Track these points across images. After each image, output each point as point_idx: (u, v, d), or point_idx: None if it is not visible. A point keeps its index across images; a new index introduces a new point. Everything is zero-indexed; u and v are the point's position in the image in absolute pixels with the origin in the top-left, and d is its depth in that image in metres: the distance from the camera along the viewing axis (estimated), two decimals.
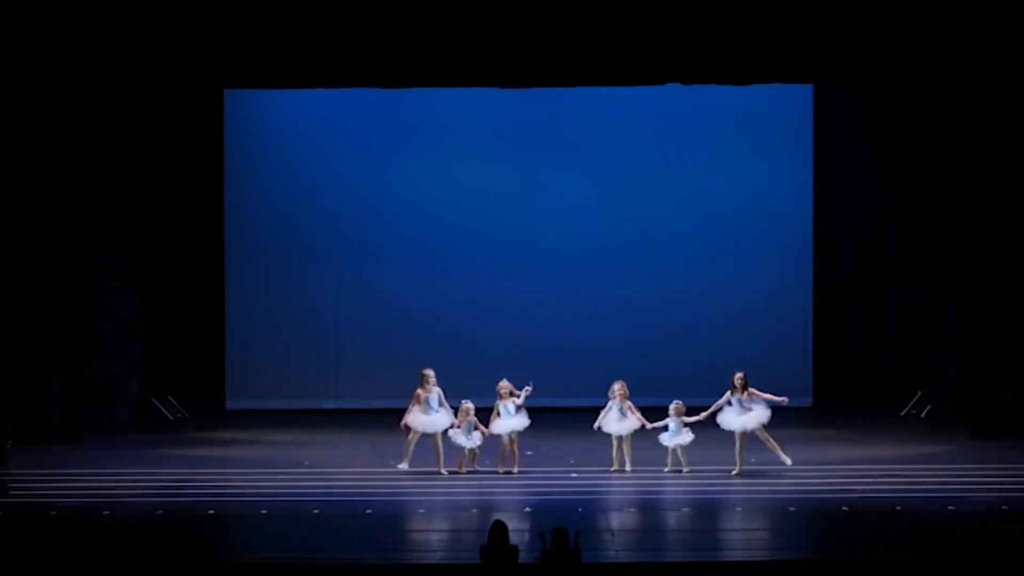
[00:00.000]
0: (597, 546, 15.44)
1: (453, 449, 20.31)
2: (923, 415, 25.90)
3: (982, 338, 23.49)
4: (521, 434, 20.35)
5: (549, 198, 27.52)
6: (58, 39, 21.23)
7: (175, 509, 17.97)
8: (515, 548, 13.13)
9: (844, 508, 17.78)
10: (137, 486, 19.54)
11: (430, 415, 20.09)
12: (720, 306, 27.49)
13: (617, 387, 20.46)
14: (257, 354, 27.62)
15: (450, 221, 27.54)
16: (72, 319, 24.02)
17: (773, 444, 20.05)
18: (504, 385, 20.29)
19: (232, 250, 27.65)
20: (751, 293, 27.51)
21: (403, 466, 20.19)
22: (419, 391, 20.15)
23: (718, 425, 20.13)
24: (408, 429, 20.14)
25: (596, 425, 20.54)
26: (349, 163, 27.61)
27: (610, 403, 20.46)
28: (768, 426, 19.97)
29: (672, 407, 20.28)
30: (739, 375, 20.03)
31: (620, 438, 20.39)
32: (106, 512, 17.68)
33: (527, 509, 17.82)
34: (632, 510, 18.28)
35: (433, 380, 20.20)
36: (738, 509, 18.19)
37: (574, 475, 20.25)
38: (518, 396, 20.18)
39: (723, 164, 27.47)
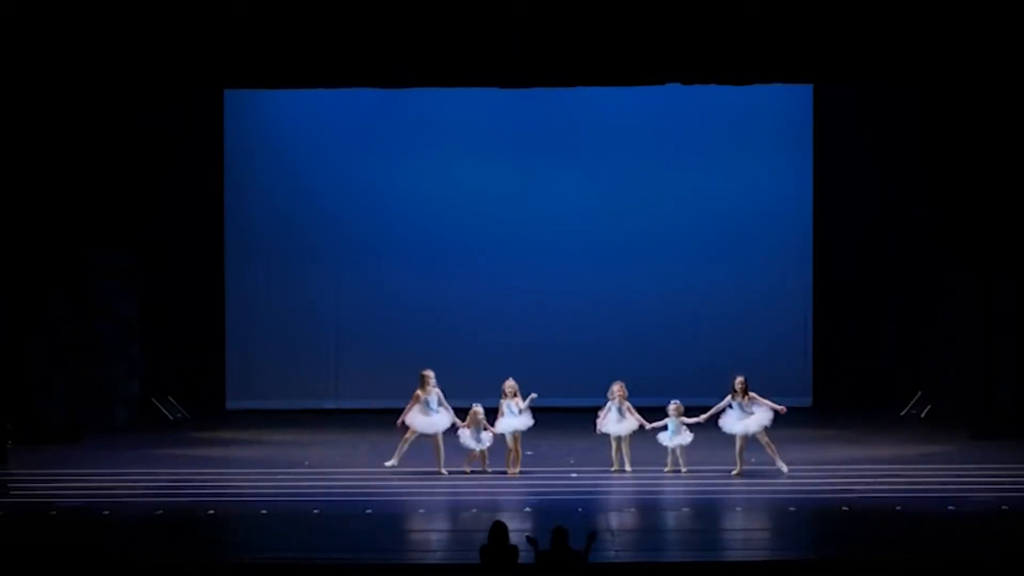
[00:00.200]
0: (597, 546, 15.42)
1: (455, 449, 20.30)
2: (923, 415, 25.90)
3: (982, 338, 23.49)
4: (522, 434, 20.34)
5: (549, 198, 27.52)
6: (58, 39, 21.23)
7: (175, 509, 17.97)
8: (515, 548, 13.13)
9: (844, 508, 17.77)
10: (137, 486, 19.54)
11: (430, 416, 20.09)
12: (720, 306, 27.49)
13: (616, 388, 20.45)
14: (257, 354, 27.62)
15: (450, 221, 27.54)
16: (72, 319, 24.02)
17: (772, 450, 20.04)
18: (510, 384, 20.29)
19: (232, 250, 27.65)
20: (751, 293, 27.51)
21: (391, 463, 20.18)
22: (419, 392, 20.15)
23: (719, 428, 20.13)
24: (405, 428, 20.14)
25: (597, 429, 20.52)
26: (349, 163, 27.61)
27: (609, 404, 20.45)
28: (769, 428, 19.95)
29: (671, 407, 20.28)
30: (740, 379, 20.02)
31: (619, 439, 20.39)
32: (106, 512, 17.68)
33: (527, 509, 17.82)
34: (632, 510, 18.28)
35: (433, 381, 20.19)
36: (738, 509, 18.19)
37: (574, 475, 20.25)
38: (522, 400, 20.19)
39: (723, 164, 27.47)
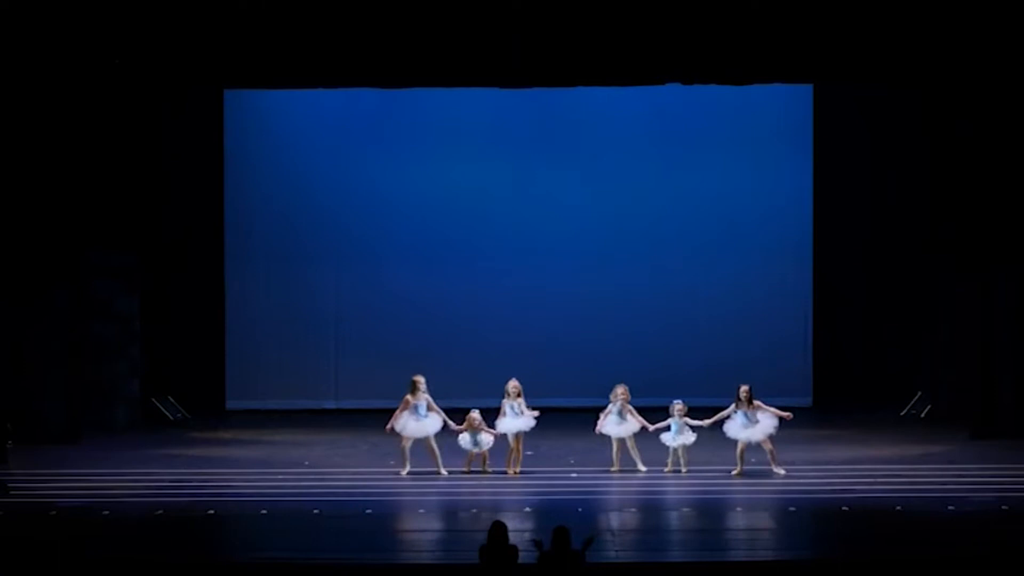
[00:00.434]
0: (598, 546, 15.42)
1: (454, 450, 20.30)
2: (923, 415, 25.90)
3: (982, 338, 23.48)
4: (524, 434, 20.35)
5: (549, 198, 27.50)
6: (58, 39, 21.23)
7: (175, 509, 17.97)
8: (515, 548, 13.13)
9: (844, 508, 17.78)
10: (137, 486, 19.54)
11: (419, 421, 20.09)
12: (720, 306, 27.48)
13: (620, 391, 20.41)
14: (257, 354, 27.59)
15: (450, 221, 27.53)
16: (72, 319, 24.01)
17: (773, 456, 20.02)
18: (514, 385, 20.28)
19: (232, 250, 27.63)
20: (751, 293, 27.49)
21: (404, 472, 20.18)
22: (408, 397, 20.15)
23: (723, 431, 20.11)
24: (396, 433, 20.13)
25: (596, 429, 20.51)
26: (349, 163, 27.59)
27: (610, 406, 20.43)
28: (774, 435, 19.97)
29: (676, 407, 20.25)
30: (744, 388, 20.00)
31: (620, 440, 20.37)
32: (106, 512, 17.68)
33: (527, 509, 17.82)
34: (632, 510, 18.27)
35: (423, 387, 20.18)
36: (738, 509, 18.19)
37: (574, 475, 20.25)
38: (525, 409, 20.18)
39: (723, 164, 27.45)
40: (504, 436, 20.23)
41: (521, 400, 20.19)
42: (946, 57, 21.55)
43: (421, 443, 20.17)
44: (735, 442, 20.01)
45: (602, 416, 20.45)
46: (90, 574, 14.75)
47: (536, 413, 20.19)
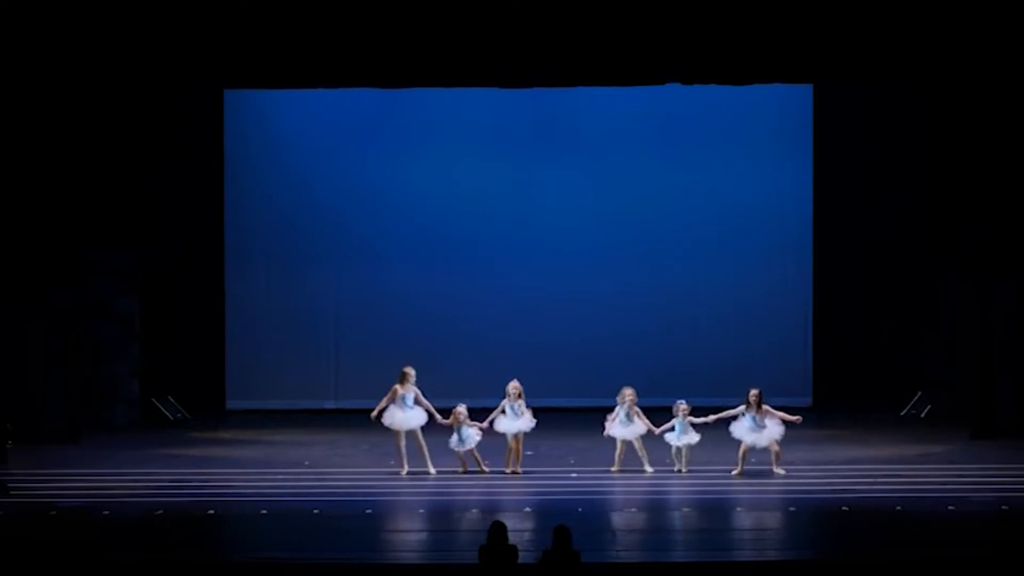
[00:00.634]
0: (599, 545, 15.44)
1: (448, 450, 20.30)
2: (923, 415, 25.91)
3: (982, 338, 23.49)
4: (524, 434, 20.35)
5: (549, 198, 27.50)
6: (59, 39, 21.21)
7: (175, 509, 17.97)
8: (514, 548, 13.14)
9: (844, 508, 17.77)
10: (137, 486, 19.54)
11: (405, 412, 20.11)
12: (720, 306, 27.49)
13: (628, 393, 20.36)
14: (257, 354, 27.61)
15: (450, 221, 27.54)
16: (72, 319, 24.01)
17: (776, 455, 20.02)
18: (514, 386, 20.27)
19: (232, 250, 27.64)
20: (751, 293, 27.50)
21: (404, 472, 20.18)
22: (397, 387, 20.15)
23: (728, 432, 20.11)
24: (380, 423, 20.13)
25: (605, 432, 20.49)
26: (349, 163, 27.60)
27: (618, 408, 20.40)
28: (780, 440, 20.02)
29: (680, 408, 20.23)
30: (754, 392, 20.00)
31: (626, 442, 20.34)
32: (106, 512, 17.68)
33: (527, 509, 17.82)
34: (632, 510, 18.27)
35: (413, 379, 20.21)
36: (738, 509, 18.18)
37: (574, 475, 20.24)
38: (526, 410, 20.19)
39: (723, 164, 27.46)
40: (503, 436, 20.22)
41: (522, 402, 20.19)
42: (946, 56, 21.54)
43: (411, 440, 20.15)
44: (738, 443, 20.00)
45: (610, 418, 20.42)
46: (90, 574, 14.75)
47: (535, 421, 20.21)
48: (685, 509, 18.21)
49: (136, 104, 25.40)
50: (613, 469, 20.38)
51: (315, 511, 17.72)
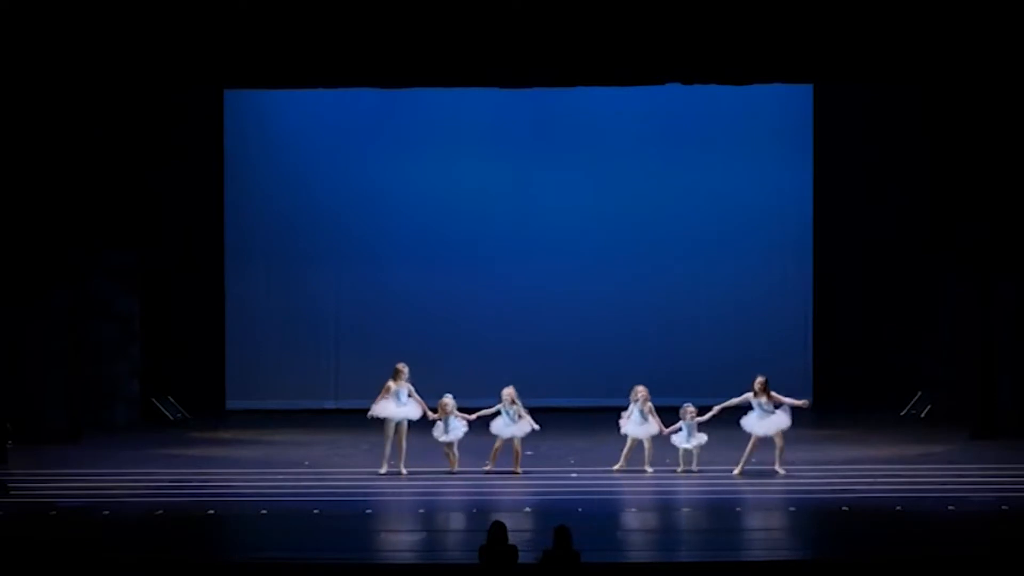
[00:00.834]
0: (599, 545, 15.43)
1: (437, 451, 20.31)
2: (923, 415, 25.91)
3: (982, 338, 23.49)
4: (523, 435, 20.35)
5: (549, 198, 27.50)
6: (59, 39, 21.21)
7: (175, 509, 17.97)
8: (514, 548, 13.14)
9: (844, 508, 17.77)
10: (137, 486, 19.54)
11: (399, 407, 20.14)
12: (720, 306, 27.49)
13: (641, 391, 20.34)
14: (257, 354, 27.60)
15: (450, 221, 27.54)
16: (72, 319, 24.01)
17: (780, 451, 20.04)
18: (507, 392, 20.24)
19: (232, 250, 27.64)
20: (751, 293, 27.50)
21: (403, 471, 20.18)
22: (390, 383, 20.18)
23: (738, 426, 20.10)
24: (376, 420, 20.16)
25: (622, 431, 20.46)
26: (349, 163, 27.60)
27: (632, 406, 20.36)
28: (786, 430, 19.99)
29: (688, 411, 20.20)
30: (760, 379, 20.01)
31: (637, 440, 20.29)
32: (106, 512, 17.68)
33: (527, 509, 17.82)
34: (632, 510, 18.27)
35: (406, 375, 20.24)
36: (738, 509, 18.18)
37: (574, 475, 20.24)
38: (522, 412, 20.18)
39: (723, 164, 27.46)
40: (496, 437, 20.17)
41: (516, 406, 20.15)
42: (946, 56, 21.54)
43: (395, 436, 20.17)
44: (747, 437, 19.98)
45: (624, 416, 20.37)
46: (90, 574, 14.75)
47: (536, 426, 20.19)
48: (685, 509, 18.21)
49: (136, 104, 25.39)
50: (615, 468, 20.33)
51: (315, 511, 17.72)
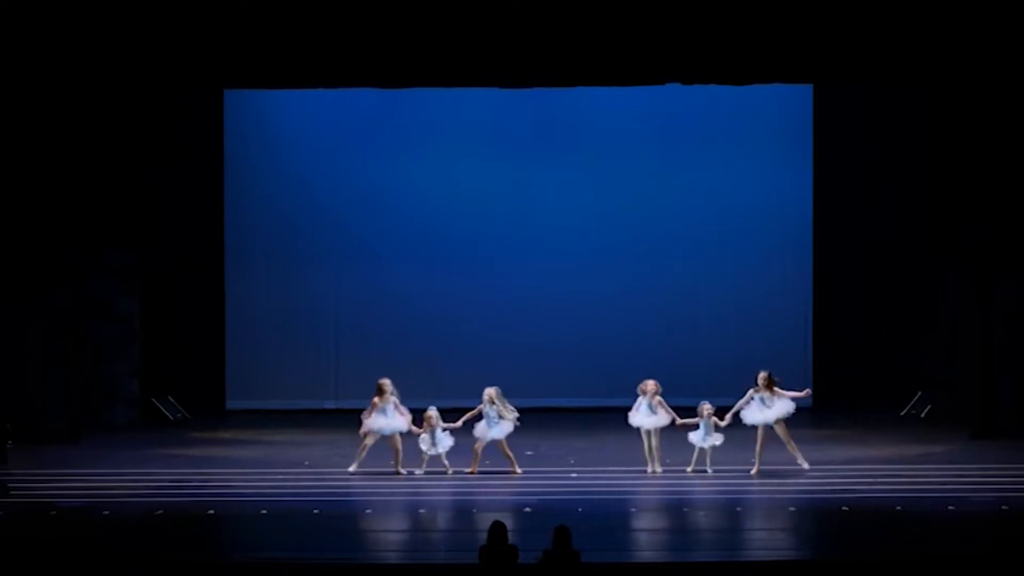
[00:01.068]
0: (598, 545, 15.43)
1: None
2: (923, 415, 25.91)
3: (982, 338, 23.48)
4: (521, 433, 20.32)
5: (549, 198, 27.50)
6: (59, 39, 21.22)
7: (175, 509, 17.97)
8: (514, 548, 13.14)
9: (844, 508, 17.77)
10: (137, 486, 19.54)
11: (388, 419, 20.17)
12: (720, 306, 27.49)
13: (651, 385, 20.26)
14: (257, 354, 27.60)
15: (450, 221, 27.54)
16: (72, 319, 24.01)
17: (793, 446, 20.06)
18: (487, 392, 20.20)
19: (232, 250, 27.64)
20: (751, 293, 27.50)
21: (352, 468, 20.19)
22: (376, 399, 20.21)
23: (740, 421, 20.10)
24: (365, 434, 20.22)
25: (630, 421, 20.43)
26: (349, 163, 27.60)
27: (640, 399, 20.33)
28: (788, 420, 19.96)
29: (705, 409, 20.19)
30: (763, 374, 20.05)
31: (648, 433, 20.23)
32: (106, 512, 17.68)
33: (527, 509, 17.82)
34: (633, 510, 18.27)
35: (390, 390, 20.26)
36: (738, 509, 18.18)
37: (574, 475, 20.24)
38: (504, 406, 20.12)
39: (723, 164, 27.46)
40: (478, 440, 20.15)
41: (496, 406, 20.10)
42: (946, 56, 21.54)
43: (383, 441, 20.17)
44: (754, 435, 19.96)
45: (633, 409, 20.33)
46: (90, 574, 14.75)
47: (516, 415, 20.12)
48: (685, 509, 18.20)
49: (136, 104, 25.39)
50: (648, 470, 20.20)
51: (315, 511, 17.72)
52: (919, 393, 26.27)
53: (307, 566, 15.09)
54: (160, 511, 17.78)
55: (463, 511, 18.15)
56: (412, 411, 20.29)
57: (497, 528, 13.16)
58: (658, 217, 27.54)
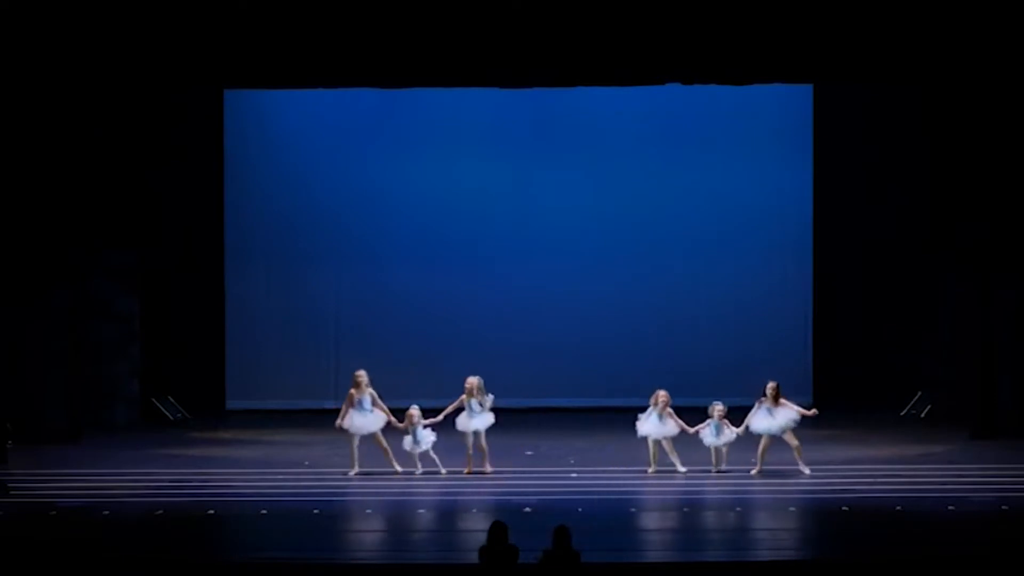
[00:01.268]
0: (597, 545, 15.43)
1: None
2: (923, 415, 25.91)
3: (982, 338, 23.49)
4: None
5: (549, 198, 27.49)
6: (59, 39, 21.22)
7: (175, 509, 17.97)
8: (514, 548, 13.14)
9: (844, 508, 17.78)
10: (137, 486, 19.55)
11: (364, 417, 20.10)
12: (720, 306, 27.48)
13: (661, 395, 20.24)
14: (257, 354, 27.60)
15: (450, 221, 27.53)
16: (72, 319, 24.01)
17: (799, 452, 20.04)
18: (468, 381, 20.17)
19: (232, 250, 27.64)
20: (751, 293, 27.49)
21: (352, 472, 20.16)
22: (352, 392, 20.17)
23: (748, 429, 20.12)
24: (344, 431, 20.17)
25: (638, 430, 20.44)
26: (349, 163, 27.60)
27: (650, 408, 20.31)
28: (796, 429, 19.98)
29: (716, 409, 20.19)
30: (771, 385, 20.04)
31: (657, 442, 20.24)
32: (106, 512, 17.69)
33: (527, 509, 17.81)
34: (632, 510, 18.27)
35: (366, 381, 20.21)
36: (738, 509, 18.18)
37: (574, 475, 20.24)
38: (484, 397, 20.08)
39: (723, 164, 27.45)
40: (464, 435, 20.09)
41: (480, 396, 20.07)
42: (946, 56, 21.54)
43: (369, 440, 20.15)
44: (758, 439, 19.99)
45: (642, 418, 20.33)
46: (90, 574, 14.75)
47: (492, 397, 20.05)
48: (685, 509, 18.21)
49: (136, 104, 25.40)
50: (649, 471, 20.22)
51: (315, 511, 17.73)
52: (919, 393, 26.27)
53: (307, 566, 15.09)
54: (160, 511, 17.79)
55: (462, 511, 18.14)
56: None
57: (497, 528, 13.16)
58: (658, 217, 27.53)
